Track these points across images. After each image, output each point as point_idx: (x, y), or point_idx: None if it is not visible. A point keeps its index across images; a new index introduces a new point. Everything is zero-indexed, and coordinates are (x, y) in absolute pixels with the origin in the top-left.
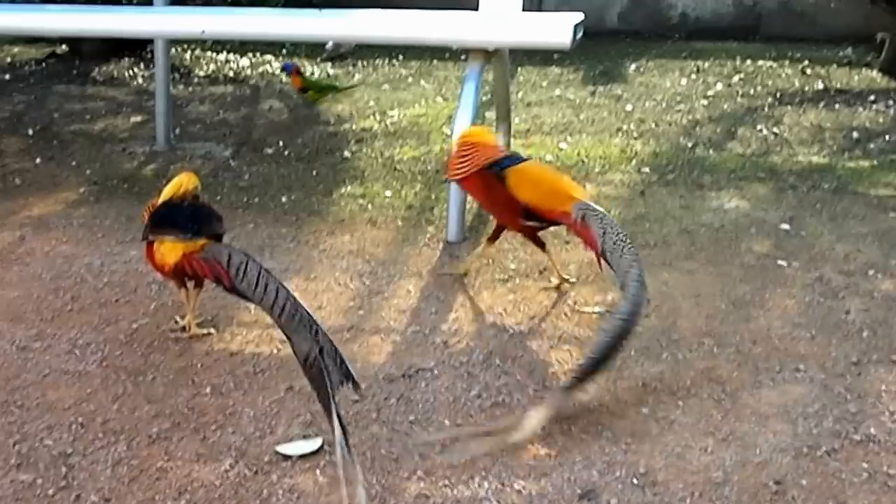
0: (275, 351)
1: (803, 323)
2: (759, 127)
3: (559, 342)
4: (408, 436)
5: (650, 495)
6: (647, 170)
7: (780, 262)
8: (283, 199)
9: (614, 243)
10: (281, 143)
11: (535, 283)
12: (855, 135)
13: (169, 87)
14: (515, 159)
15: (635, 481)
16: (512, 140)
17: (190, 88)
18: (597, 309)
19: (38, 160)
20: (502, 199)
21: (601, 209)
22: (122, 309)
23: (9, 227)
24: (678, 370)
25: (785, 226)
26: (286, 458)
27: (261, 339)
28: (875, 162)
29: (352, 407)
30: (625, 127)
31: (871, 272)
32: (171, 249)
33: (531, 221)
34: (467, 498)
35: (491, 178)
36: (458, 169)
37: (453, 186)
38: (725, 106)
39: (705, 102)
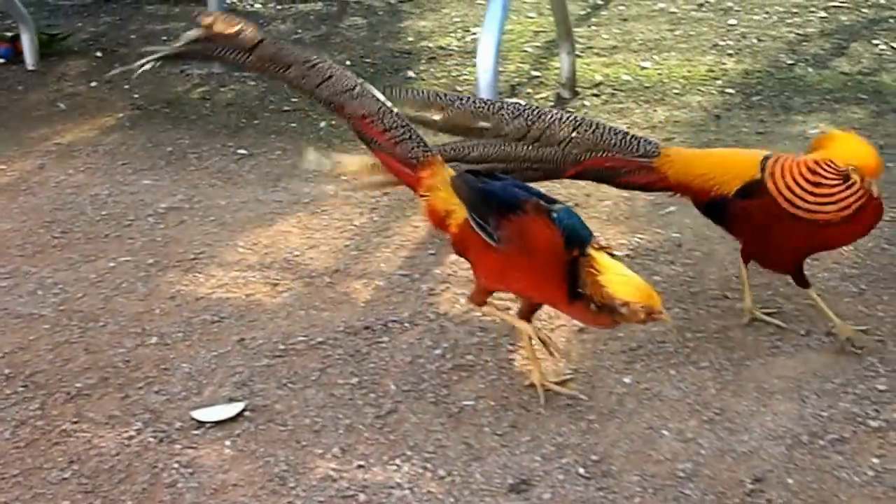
0: (244, 296)
1: (855, 275)
2: (876, 41)
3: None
4: (345, 404)
5: (593, 490)
6: (731, 91)
7: None
8: (322, 125)
9: None
10: (348, 63)
11: None
12: None
13: (224, 6)
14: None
15: (582, 471)
16: (594, 59)
17: (278, 6)
18: (615, 253)
19: (93, 83)
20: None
21: None
22: (108, 245)
23: (33, 154)
24: (685, 330)
25: None
26: (200, 424)
27: (236, 282)
28: None
29: (295, 364)
30: (722, 43)
31: None
32: None
33: None
34: (377, 483)
35: None
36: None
37: None
38: (845, 18)
39: (824, 14)
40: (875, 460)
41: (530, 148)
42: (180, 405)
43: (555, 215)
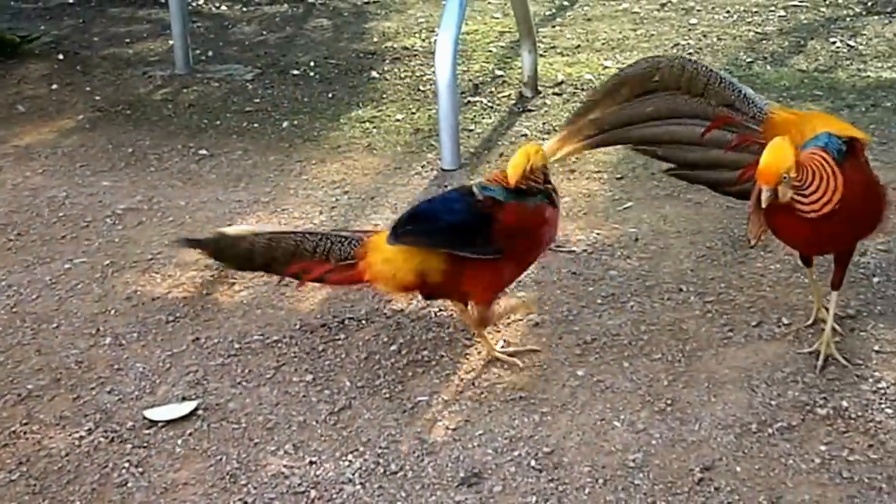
0: (200, 295)
1: None
2: (833, 39)
3: (514, 288)
4: (299, 401)
5: (544, 481)
6: None
7: None
8: (285, 125)
9: None
10: (312, 63)
11: None
12: None
13: (186, 8)
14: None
15: (534, 463)
16: (557, 59)
17: (244, 8)
18: (573, 248)
19: (54, 86)
20: None
21: None
22: (65, 246)
23: None
24: (639, 323)
25: None
26: (152, 423)
27: (193, 282)
28: None
29: (250, 362)
30: (683, 42)
31: None
32: None
33: None
34: (329, 479)
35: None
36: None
37: (443, 105)
38: (803, 17)
39: (783, 13)
40: (822, 448)
41: (688, 99)
42: (132, 405)
43: (501, 198)
